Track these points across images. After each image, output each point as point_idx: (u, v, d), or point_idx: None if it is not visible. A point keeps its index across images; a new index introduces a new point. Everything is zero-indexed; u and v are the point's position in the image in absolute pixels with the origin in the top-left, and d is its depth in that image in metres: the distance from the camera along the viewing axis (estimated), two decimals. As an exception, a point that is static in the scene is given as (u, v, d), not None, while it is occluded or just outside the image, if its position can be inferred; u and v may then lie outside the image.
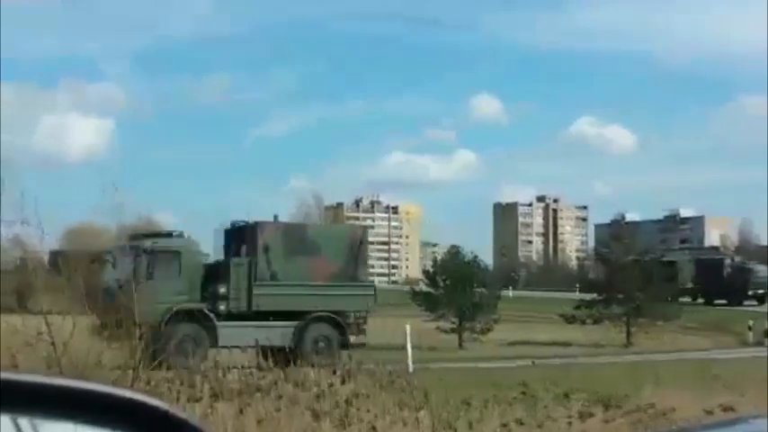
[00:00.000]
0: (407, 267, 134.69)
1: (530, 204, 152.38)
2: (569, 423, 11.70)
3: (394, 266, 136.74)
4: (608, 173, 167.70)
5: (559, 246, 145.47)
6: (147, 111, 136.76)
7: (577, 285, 49.94)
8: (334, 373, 13.38)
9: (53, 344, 10.97)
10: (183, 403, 10.99)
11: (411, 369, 17.46)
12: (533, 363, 21.48)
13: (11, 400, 1.72)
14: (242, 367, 14.27)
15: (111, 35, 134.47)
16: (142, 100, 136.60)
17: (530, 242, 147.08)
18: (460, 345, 33.65)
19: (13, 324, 12.33)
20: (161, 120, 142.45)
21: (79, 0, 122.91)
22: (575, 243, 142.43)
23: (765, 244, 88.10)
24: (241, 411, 11.08)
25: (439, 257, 42.42)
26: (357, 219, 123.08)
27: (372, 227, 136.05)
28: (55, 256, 41.38)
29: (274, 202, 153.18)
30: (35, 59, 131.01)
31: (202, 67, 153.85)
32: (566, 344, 32.33)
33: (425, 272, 40.18)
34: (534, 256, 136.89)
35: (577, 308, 36.96)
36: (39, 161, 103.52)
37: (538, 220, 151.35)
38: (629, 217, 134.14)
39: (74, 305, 14.66)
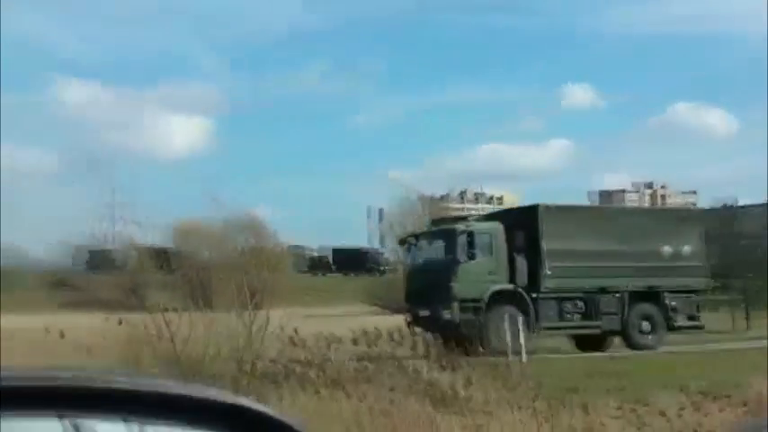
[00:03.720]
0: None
1: (637, 191, 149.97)
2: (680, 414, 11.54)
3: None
4: (712, 157, 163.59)
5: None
6: (243, 107, 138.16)
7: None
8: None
9: (173, 341, 11.30)
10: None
11: (524, 359, 17.46)
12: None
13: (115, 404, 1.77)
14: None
15: (206, 33, 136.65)
16: (239, 97, 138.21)
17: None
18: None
19: (133, 322, 12.70)
20: (258, 115, 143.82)
21: (173, 1, 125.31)
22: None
23: None
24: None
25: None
26: (462, 210, 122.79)
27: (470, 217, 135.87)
28: (162, 253, 42.31)
29: (373, 194, 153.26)
30: (134, 62, 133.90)
31: (297, 61, 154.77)
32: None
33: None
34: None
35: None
36: (141, 161, 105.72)
37: (646, 207, 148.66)
38: (740, 201, 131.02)
39: (189, 302, 15.10)
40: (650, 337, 23.81)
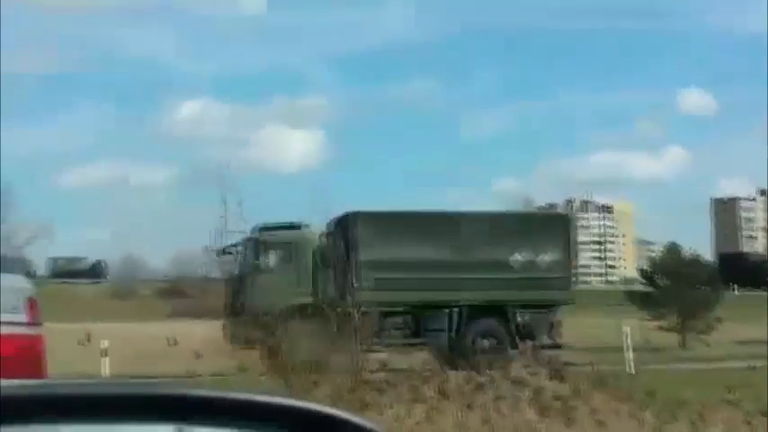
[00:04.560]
0: (624, 267, 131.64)
1: (753, 199, 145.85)
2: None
3: (611, 266, 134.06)
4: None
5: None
6: (355, 119, 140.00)
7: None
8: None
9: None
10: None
11: (632, 370, 17.11)
12: (752, 366, 20.36)
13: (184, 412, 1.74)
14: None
15: (317, 48, 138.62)
16: (350, 109, 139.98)
17: (753, 237, 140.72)
18: (683, 345, 32.60)
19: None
20: (369, 127, 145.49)
21: (281, 16, 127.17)
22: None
23: None
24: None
25: (656, 256, 41.32)
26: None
27: (587, 227, 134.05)
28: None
29: (483, 204, 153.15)
30: (245, 78, 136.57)
31: (408, 73, 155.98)
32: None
33: (642, 271, 39.28)
34: (760, 253, 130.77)
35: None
36: (255, 173, 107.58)
37: (761, 215, 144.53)
38: None
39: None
40: (492, 355, 20.42)
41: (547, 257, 22.89)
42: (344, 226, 22.42)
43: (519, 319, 22.24)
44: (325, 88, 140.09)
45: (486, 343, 21.73)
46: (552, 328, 22.57)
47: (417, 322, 21.90)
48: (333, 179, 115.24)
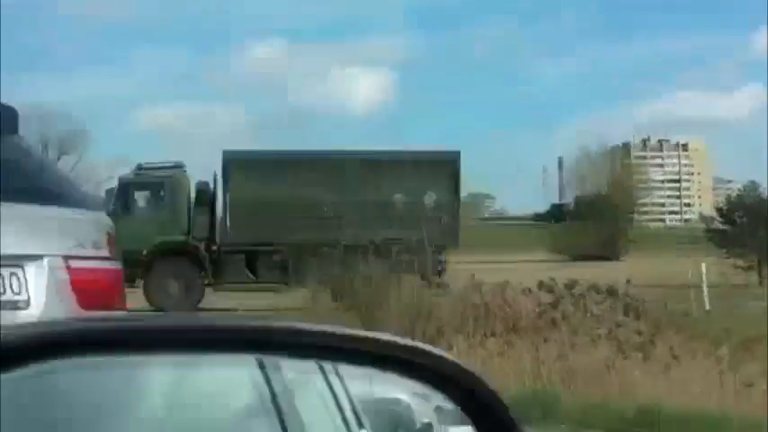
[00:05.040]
0: (700, 205, 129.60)
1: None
2: None
3: (687, 204, 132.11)
4: None
5: None
6: (428, 62, 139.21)
7: None
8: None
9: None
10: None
11: (708, 307, 16.98)
12: None
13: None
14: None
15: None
16: (424, 52, 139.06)
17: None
18: (761, 282, 32.20)
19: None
20: (443, 70, 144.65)
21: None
22: None
23: None
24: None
25: (733, 194, 40.74)
26: (644, 158, 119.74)
27: (662, 165, 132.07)
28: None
29: (558, 144, 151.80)
30: (320, 21, 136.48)
31: (483, 17, 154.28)
32: None
33: (719, 209, 38.79)
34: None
35: None
36: (329, 114, 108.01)
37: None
38: None
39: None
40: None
41: (431, 198, 22.48)
42: (222, 166, 22.25)
43: (400, 259, 21.53)
44: (399, 31, 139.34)
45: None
46: (438, 269, 21.71)
47: (289, 262, 21.45)
48: (404, 122, 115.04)
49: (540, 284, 16.96)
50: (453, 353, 11.21)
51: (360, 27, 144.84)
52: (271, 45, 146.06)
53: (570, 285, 16.88)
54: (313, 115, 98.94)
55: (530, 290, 16.96)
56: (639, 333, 12.23)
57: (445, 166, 23.73)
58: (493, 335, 11.88)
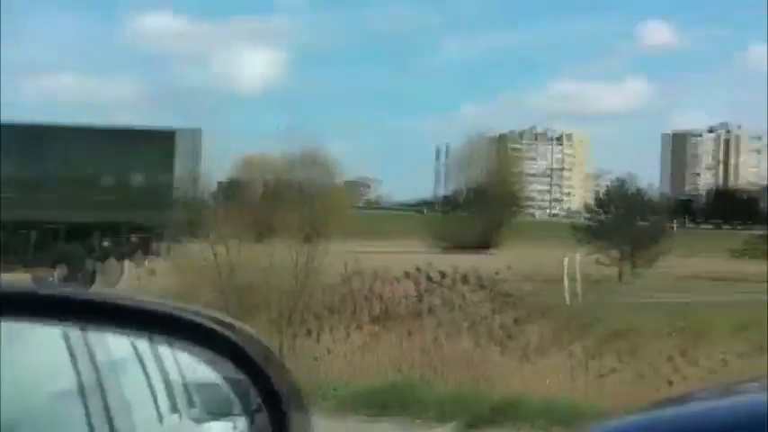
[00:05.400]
0: (575, 197, 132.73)
1: (700, 135, 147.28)
2: (724, 361, 11.48)
3: (556, 199, 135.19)
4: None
5: (731, 178, 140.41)
6: (322, 42, 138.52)
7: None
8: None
9: (219, 270, 11.52)
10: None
11: (573, 300, 17.52)
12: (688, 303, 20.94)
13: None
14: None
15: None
16: (317, 31, 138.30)
17: (697, 175, 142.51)
18: (621, 278, 33.10)
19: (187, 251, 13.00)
20: (335, 50, 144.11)
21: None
22: (748, 175, 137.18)
23: None
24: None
25: (603, 189, 41.86)
26: (527, 148, 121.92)
27: (545, 156, 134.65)
28: (225, 186, 42.93)
29: (445, 129, 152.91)
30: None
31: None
32: (737, 279, 31.29)
33: (587, 204, 39.80)
34: (704, 189, 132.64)
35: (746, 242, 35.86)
36: (218, 93, 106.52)
37: (709, 151, 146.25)
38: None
39: (248, 234, 15.32)
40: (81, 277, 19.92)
41: (144, 178, 21.69)
42: None
43: (105, 242, 21.28)
44: (293, 9, 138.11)
45: (65, 266, 20.63)
46: (149, 251, 21.26)
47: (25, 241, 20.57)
48: (294, 100, 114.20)
49: (414, 273, 17.23)
50: (320, 344, 11.34)
51: (254, 4, 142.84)
52: (162, 19, 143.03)
53: (444, 275, 17.22)
54: (204, 92, 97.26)
55: (406, 275, 17.19)
56: (507, 324, 12.56)
57: (160, 144, 22.42)
58: (361, 326, 12.01)
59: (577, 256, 28.89)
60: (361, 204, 72.77)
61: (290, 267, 13.09)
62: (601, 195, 39.10)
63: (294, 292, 12.31)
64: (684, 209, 72.27)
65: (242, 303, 11.84)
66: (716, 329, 13.26)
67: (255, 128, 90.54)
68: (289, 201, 23.07)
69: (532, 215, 61.66)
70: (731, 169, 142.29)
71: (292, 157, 40.95)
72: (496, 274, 15.10)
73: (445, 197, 70.91)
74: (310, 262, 13.48)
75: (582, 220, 38.46)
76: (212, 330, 1.93)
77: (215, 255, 11.98)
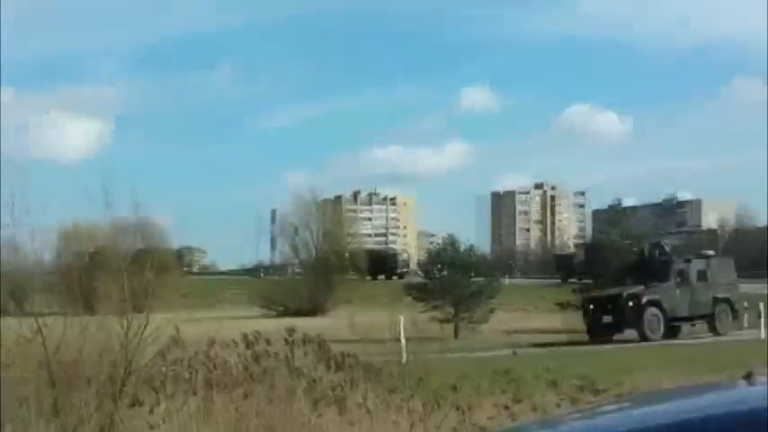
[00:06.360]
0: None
1: (527, 192, 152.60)
2: (558, 405, 11.89)
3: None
4: (605, 159, 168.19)
5: (557, 233, 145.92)
6: (145, 109, 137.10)
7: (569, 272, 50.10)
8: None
9: (44, 344, 11.12)
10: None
11: (404, 359, 17.61)
12: (514, 352, 21.65)
13: None
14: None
15: (110, 35, 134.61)
16: (141, 99, 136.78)
17: (527, 230, 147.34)
18: (456, 335, 33.80)
19: (7, 326, 12.50)
20: (162, 118, 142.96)
21: (72, 3, 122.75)
22: (572, 230, 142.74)
23: (764, 225, 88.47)
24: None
25: (433, 249, 42.68)
26: (354, 211, 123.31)
27: (370, 219, 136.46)
28: (53, 256, 41.68)
29: (275, 197, 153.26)
30: (31, 62, 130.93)
31: (200, 64, 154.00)
32: (561, 331, 32.48)
33: (420, 263, 40.53)
34: (532, 244, 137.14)
35: (572, 293, 37.16)
36: (35, 163, 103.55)
37: (535, 208, 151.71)
38: (627, 202, 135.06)
39: (71, 306, 14.83)
40: None
41: None
42: None
43: None
44: (115, 77, 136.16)
45: None
46: None
47: None
48: (117, 169, 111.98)
49: (244, 338, 17.04)
50: (154, 414, 11.03)
51: (74, 72, 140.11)
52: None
53: (273, 339, 17.08)
54: (24, 162, 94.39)
55: (240, 340, 16.98)
56: (343, 384, 12.54)
57: None
58: (196, 392, 11.76)
59: (412, 315, 29.26)
60: (192, 271, 71.65)
61: (118, 337, 12.73)
62: (431, 254, 39.85)
63: (124, 363, 11.94)
64: (512, 265, 74.49)
65: (69, 377, 11.41)
66: (540, 378, 13.68)
67: (78, 197, 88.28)
68: (115, 269, 22.49)
69: (365, 276, 62.30)
70: (553, 226, 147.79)
71: (117, 225, 40.20)
72: (330, 335, 15.10)
73: (275, 263, 70.82)
74: (140, 331, 13.15)
75: (415, 278, 39.06)
76: None
77: (39, 328, 11.51)
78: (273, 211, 79.56)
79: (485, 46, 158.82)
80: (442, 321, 34.08)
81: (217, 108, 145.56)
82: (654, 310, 30.05)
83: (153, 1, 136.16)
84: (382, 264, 66.34)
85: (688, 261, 32.08)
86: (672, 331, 30.61)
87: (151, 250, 37.03)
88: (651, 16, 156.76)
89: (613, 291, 31.59)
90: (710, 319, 31.13)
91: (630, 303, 30.03)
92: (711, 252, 34.60)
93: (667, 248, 33.84)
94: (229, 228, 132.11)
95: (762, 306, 29.36)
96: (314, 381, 12.59)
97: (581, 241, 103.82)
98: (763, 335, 27.71)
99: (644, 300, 30.11)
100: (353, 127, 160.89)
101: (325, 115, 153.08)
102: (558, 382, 13.51)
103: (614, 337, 29.89)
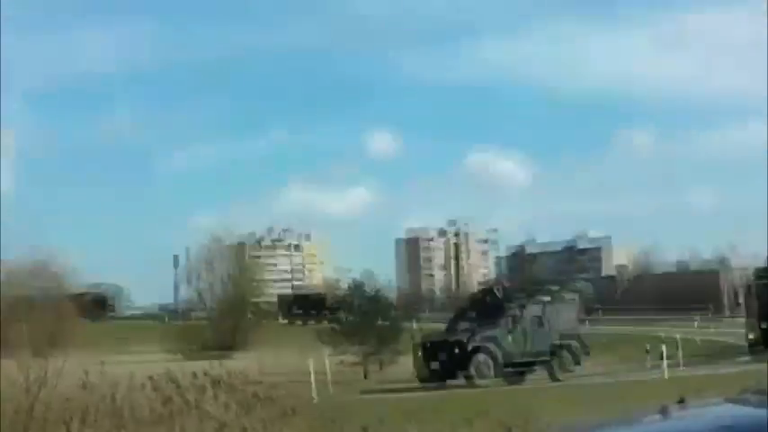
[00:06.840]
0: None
1: (431, 239, 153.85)
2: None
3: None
4: (510, 203, 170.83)
5: (462, 278, 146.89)
6: (46, 151, 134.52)
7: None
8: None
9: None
10: None
11: (315, 400, 17.59)
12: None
13: None
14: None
15: (7, 73, 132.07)
16: (41, 141, 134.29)
17: (431, 275, 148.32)
18: (365, 376, 33.88)
19: None
20: (62, 159, 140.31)
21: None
22: (478, 275, 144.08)
23: (663, 270, 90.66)
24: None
25: (341, 293, 42.76)
26: (259, 257, 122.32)
27: (275, 264, 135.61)
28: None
29: (180, 240, 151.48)
30: None
31: (104, 105, 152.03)
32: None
33: (330, 307, 40.54)
34: (437, 288, 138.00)
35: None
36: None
37: (440, 253, 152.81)
38: (531, 247, 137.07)
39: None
40: None
41: None
42: None
43: None
44: (13, 118, 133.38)
45: None
46: None
47: None
48: (16, 210, 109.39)
49: (156, 379, 16.76)
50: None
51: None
52: None
53: (183, 380, 16.83)
54: None
55: (148, 382, 16.68)
56: (255, 425, 12.41)
57: None
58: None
59: (323, 357, 29.21)
60: (98, 313, 70.28)
61: (22, 381, 12.41)
62: (339, 299, 39.92)
63: (29, 408, 11.64)
64: (416, 308, 75.02)
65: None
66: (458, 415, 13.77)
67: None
68: (19, 312, 22.01)
69: (276, 318, 61.81)
70: (458, 271, 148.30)
71: (21, 269, 39.33)
72: (241, 376, 14.96)
73: (184, 305, 70.00)
74: (44, 374, 12.84)
75: (325, 320, 39.04)
76: None
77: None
78: (187, 251, 78.42)
79: (388, 89, 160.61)
80: (351, 365, 34.12)
81: (123, 151, 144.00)
82: (482, 356, 29.59)
83: (59, 41, 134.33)
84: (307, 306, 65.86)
85: (522, 306, 31.51)
86: (511, 376, 30.12)
87: (58, 292, 36.21)
88: (553, 62, 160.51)
89: (442, 336, 31.35)
90: (548, 365, 30.77)
91: (456, 350, 29.66)
92: (547, 298, 33.46)
93: (499, 294, 32.74)
94: (140, 268, 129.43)
95: (663, 348, 29.72)
96: (225, 424, 12.43)
97: (484, 287, 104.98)
98: (666, 375, 28.26)
99: (470, 346, 29.72)
100: (263, 169, 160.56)
101: (234, 157, 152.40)
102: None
103: (448, 382, 28.88)
